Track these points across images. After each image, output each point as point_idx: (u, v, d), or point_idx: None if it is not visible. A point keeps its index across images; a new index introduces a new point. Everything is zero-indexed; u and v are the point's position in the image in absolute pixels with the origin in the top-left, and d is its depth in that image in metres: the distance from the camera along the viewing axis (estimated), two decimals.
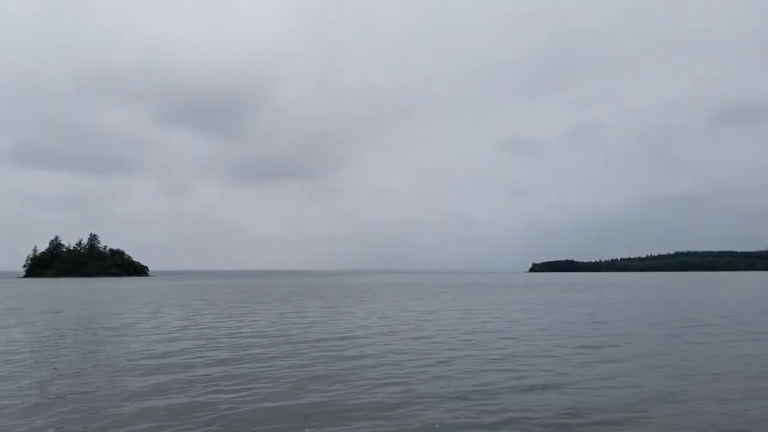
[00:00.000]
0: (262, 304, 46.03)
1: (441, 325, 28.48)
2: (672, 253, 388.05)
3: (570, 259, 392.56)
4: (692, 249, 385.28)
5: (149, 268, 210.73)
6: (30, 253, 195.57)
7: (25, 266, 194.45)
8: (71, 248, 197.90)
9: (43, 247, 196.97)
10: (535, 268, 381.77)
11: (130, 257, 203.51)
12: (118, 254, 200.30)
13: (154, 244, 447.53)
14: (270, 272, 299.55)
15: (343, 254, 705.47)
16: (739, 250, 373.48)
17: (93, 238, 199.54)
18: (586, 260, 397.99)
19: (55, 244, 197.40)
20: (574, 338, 22.80)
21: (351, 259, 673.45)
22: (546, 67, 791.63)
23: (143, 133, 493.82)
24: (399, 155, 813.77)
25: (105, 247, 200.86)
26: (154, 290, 77.02)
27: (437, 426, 10.34)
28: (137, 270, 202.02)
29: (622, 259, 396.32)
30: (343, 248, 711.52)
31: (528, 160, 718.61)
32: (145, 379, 14.65)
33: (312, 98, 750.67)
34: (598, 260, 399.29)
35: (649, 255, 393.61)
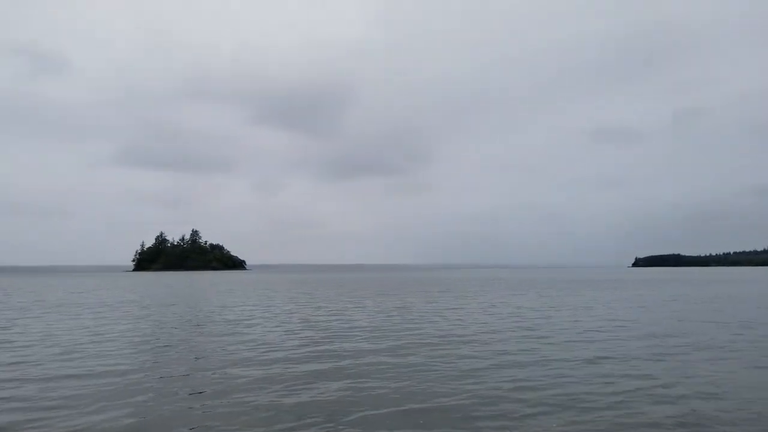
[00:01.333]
0: (378, 296, 44.34)
1: (591, 320, 25.09)
2: None
3: (676, 253, 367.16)
4: None
5: (246, 262, 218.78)
6: (138, 248, 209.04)
7: (133, 260, 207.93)
8: (175, 243, 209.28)
9: (149, 242, 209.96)
10: (639, 262, 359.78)
11: (228, 252, 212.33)
12: (217, 249, 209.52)
13: (249, 239, 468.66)
14: (358, 266, 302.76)
15: (426, 249, 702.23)
16: None
17: (195, 233, 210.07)
18: (693, 254, 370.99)
19: (160, 240, 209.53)
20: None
21: (434, 254, 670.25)
22: (638, 51, 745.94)
23: (238, 132, 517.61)
24: (483, 147, 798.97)
25: (205, 242, 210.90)
26: (258, 283, 78.10)
27: None
28: (235, 264, 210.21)
29: (734, 252, 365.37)
30: (426, 243, 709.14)
31: (622, 150, 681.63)
32: (294, 369, 12.75)
33: (395, 93, 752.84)
34: (707, 254, 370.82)
35: (765, 249, 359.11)
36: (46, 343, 19.80)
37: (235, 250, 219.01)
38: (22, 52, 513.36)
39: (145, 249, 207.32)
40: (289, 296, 47.10)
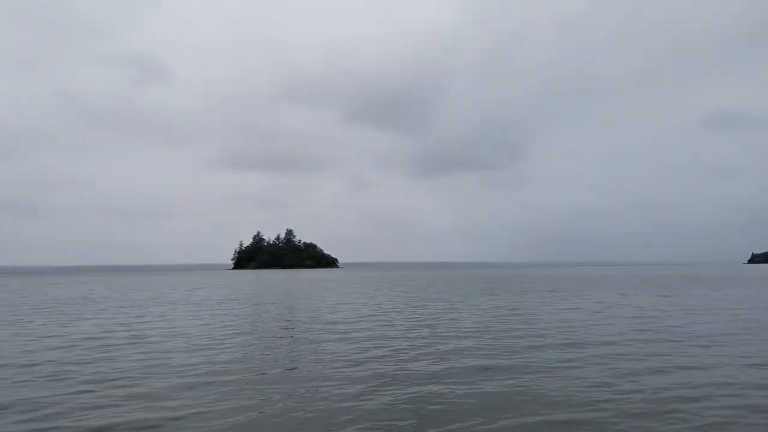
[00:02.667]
0: (483, 295, 43.32)
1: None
2: None
3: None
4: None
5: (338, 260, 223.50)
6: (237, 247, 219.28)
7: (233, 259, 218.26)
8: (271, 242, 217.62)
9: (247, 241, 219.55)
10: (756, 258, 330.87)
11: (321, 250, 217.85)
12: (311, 247, 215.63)
13: (341, 238, 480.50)
14: (451, 264, 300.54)
15: (521, 246, 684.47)
16: None
17: (289, 233, 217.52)
18: None
19: (257, 239, 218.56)
20: None
21: (530, 251, 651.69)
22: (753, 29, 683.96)
23: (331, 132, 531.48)
24: (581, 139, 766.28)
25: (300, 240, 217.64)
26: (356, 281, 79.19)
27: None
28: (328, 262, 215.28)
29: None
30: (521, 239, 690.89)
31: (736, 137, 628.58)
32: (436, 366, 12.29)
33: (487, 85, 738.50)
34: None
35: None
36: (178, 337, 20.71)
37: (327, 248, 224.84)
38: (130, 62, 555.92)
39: (243, 248, 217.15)
40: (395, 294, 47.08)
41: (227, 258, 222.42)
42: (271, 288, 61.47)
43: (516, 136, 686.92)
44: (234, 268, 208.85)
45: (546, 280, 79.56)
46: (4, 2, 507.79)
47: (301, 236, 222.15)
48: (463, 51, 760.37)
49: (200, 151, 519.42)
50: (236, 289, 58.55)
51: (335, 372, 14.07)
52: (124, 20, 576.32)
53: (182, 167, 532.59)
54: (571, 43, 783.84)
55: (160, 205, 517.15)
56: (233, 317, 28.67)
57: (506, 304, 35.25)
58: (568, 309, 31.34)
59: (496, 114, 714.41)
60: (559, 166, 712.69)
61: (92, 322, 26.89)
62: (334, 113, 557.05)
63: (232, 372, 14.25)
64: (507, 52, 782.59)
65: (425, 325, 24.22)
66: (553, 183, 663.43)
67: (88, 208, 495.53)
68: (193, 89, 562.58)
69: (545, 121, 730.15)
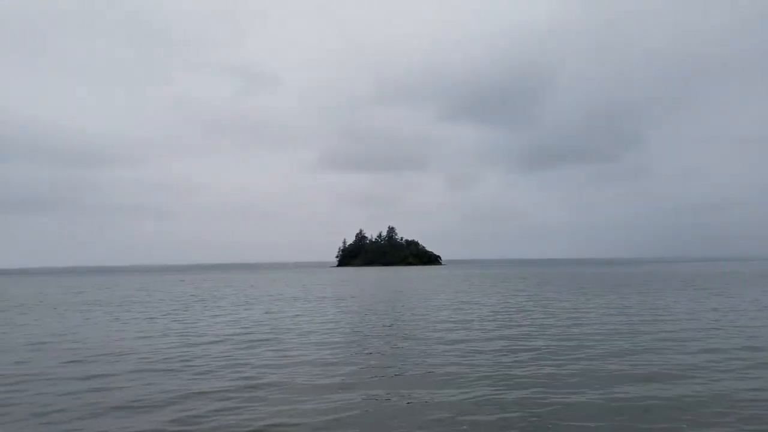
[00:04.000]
0: (610, 294, 41.24)
1: None
2: None
3: None
4: None
5: (441, 257, 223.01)
6: (340, 245, 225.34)
7: (337, 257, 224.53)
8: (373, 240, 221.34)
9: (350, 240, 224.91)
10: None
11: (424, 247, 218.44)
12: (413, 245, 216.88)
13: (443, 235, 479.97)
14: (560, 261, 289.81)
15: (637, 241, 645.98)
16: None
17: (391, 230, 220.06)
18: None
19: (360, 237, 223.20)
20: None
21: (647, 247, 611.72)
22: None
23: (431, 130, 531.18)
24: (710, 124, 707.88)
25: (401, 238, 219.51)
26: (464, 279, 78.46)
27: None
28: (431, 259, 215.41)
29: None
30: (637, 234, 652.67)
31: None
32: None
33: (596, 73, 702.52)
34: None
35: None
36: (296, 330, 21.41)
37: (430, 245, 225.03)
38: (240, 72, 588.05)
39: (346, 246, 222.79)
40: (511, 293, 46.05)
41: (331, 256, 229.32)
42: (384, 285, 62.40)
43: (630, 126, 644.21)
44: (338, 266, 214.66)
45: (679, 275, 74.40)
46: (130, 23, 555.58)
47: (403, 234, 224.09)
48: (570, 37, 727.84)
49: (305, 154, 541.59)
50: (355, 287, 60.00)
51: (490, 373, 13.85)
52: (235, 33, 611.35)
53: (288, 169, 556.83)
54: (693, 21, 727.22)
55: (268, 206, 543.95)
56: (362, 315, 29.28)
57: (637, 303, 33.24)
58: (733, 309, 28.98)
59: (607, 103, 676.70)
60: (682, 155, 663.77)
61: (233, 317, 28.58)
62: (434, 111, 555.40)
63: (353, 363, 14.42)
64: (618, 35, 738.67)
65: (561, 325, 23.36)
66: (674, 173, 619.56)
67: (204, 210, 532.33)
68: (297, 94, 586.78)
69: (664, 107, 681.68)
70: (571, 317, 25.93)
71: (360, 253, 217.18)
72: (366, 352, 17.25)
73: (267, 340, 20.01)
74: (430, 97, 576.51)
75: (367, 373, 14.06)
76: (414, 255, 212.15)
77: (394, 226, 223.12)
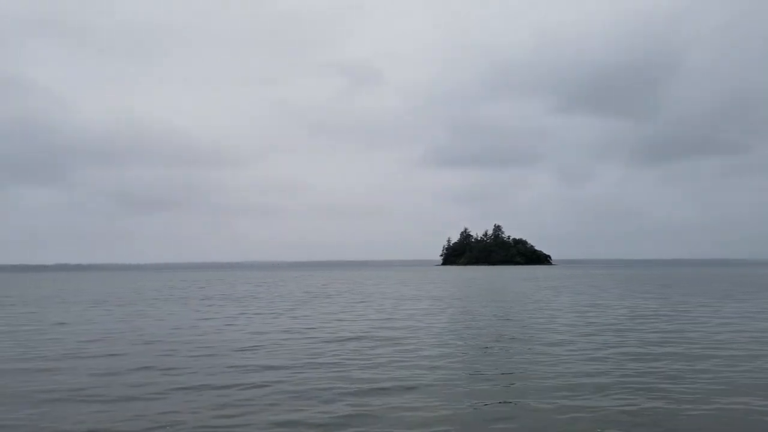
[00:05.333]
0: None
1: None
2: None
3: None
4: None
5: (551, 257, 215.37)
6: (445, 243, 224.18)
7: (441, 255, 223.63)
8: (478, 238, 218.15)
9: (455, 238, 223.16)
10: None
11: (532, 246, 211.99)
12: (520, 243, 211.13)
13: (553, 233, 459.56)
14: (686, 261, 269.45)
15: None
16: None
17: (497, 228, 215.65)
18: None
19: (465, 235, 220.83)
20: None
21: None
22: None
23: (541, 123, 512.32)
24: None
25: (508, 236, 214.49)
26: (581, 278, 74.71)
27: None
28: (540, 258, 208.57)
29: None
30: None
31: None
32: None
33: (728, 56, 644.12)
34: None
35: None
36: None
37: (538, 244, 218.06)
38: (342, 71, 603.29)
39: (451, 244, 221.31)
40: (638, 295, 42.82)
41: (435, 254, 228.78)
42: (497, 284, 60.73)
43: (765, 113, 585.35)
44: (442, 264, 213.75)
45: None
46: (235, 30, 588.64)
47: (510, 232, 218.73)
48: (698, 18, 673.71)
49: (409, 151, 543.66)
50: (468, 285, 58.95)
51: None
52: (338, 32, 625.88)
53: (392, 167, 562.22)
54: None
55: (372, 204, 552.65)
56: (485, 315, 28.26)
57: None
58: None
59: (741, 88, 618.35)
60: None
61: (352, 314, 28.64)
62: (545, 103, 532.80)
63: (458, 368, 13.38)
64: (756, 14, 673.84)
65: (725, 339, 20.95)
66: None
67: (309, 209, 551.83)
68: (401, 92, 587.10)
69: None
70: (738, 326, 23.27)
71: (465, 251, 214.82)
72: (502, 355, 16.24)
73: (395, 338, 19.51)
74: (541, 88, 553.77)
75: (506, 379, 13.06)
76: (521, 254, 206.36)
77: (500, 224, 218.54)
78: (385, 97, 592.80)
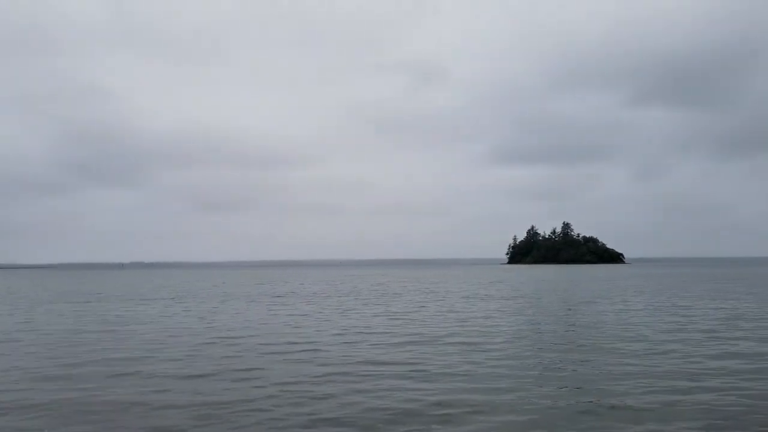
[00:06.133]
0: None
1: None
2: None
3: None
4: None
5: (624, 255, 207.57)
6: (511, 242, 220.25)
7: (507, 254, 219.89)
8: (546, 237, 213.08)
9: (521, 236, 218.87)
10: None
11: (603, 244, 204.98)
12: (591, 241, 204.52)
13: (626, 231, 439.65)
14: None
15: None
16: None
17: (566, 226, 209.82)
18: None
19: (532, 233, 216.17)
20: None
21: None
22: None
23: (614, 117, 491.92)
24: None
25: (578, 234, 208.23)
26: (659, 278, 71.47)
27: None
28: (612, 257, 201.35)
29: None
30: None
31: None
32: None
33: None
34: None
35: None
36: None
37: (610, 242, 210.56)
38: (407, 69, 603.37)
39: (517, 243, 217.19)
40: (730, 297, 40.45)
41: (500, 253, 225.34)
42: (570, 284, 58.99)
43: None
44: (508, 263, 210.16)
45: None
46: (301, 31, 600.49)
47: (580, 230, 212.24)
48: None
49: (475, 147, 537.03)
50: (539, 285, 57.65)
51: None
52: (403, 29, 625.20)
53: (457, 164, 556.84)
54: None
55: (436, 201, 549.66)
56: (565, 315, 27.43)
57: None
58: None
59: None
60: None
61: (436, 308, 28.45)
62: (619, 95, 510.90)
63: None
64: None
65: None
66: None
67: (374, 208, 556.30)
68: (467, 87, 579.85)
69: None
70: None
71: (532, 250, 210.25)
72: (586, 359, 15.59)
73: (473, 343, 19.16)
74: (614, 80, 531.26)
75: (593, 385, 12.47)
76: (592, 252, 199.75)
77: (569, 221, 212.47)
78: (450, 94, 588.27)
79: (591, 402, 10.85)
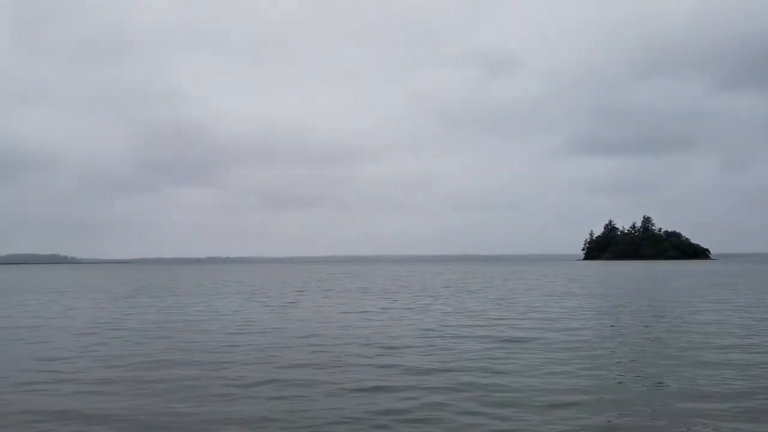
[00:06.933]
0: None
1: None
2: None
3: None
4: None
5: (710, 251, 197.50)
6: (587, 237, 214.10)
7: (583, 249, 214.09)
8: (625, 231, 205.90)
9: (598, 231, 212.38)
10: None
11: (687, 239, 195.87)
12: (674, 236, 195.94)
13: (713, 225, 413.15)
14: None
15: None
16: None
17: (646, 220, 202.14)
18: None
19: (610, 228, 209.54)
20: None
21: None
22: None
23: (699, 104, 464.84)
24: None
25: (659, 229, 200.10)
26: (754, 275, 67.21)
27: None
28: (697, 253, 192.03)
29: None
30: None
31: None
32: None
33: None
34: None
35: None
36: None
37: (695, 237, 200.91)
38: (477, 60, 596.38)
39: (593, 238, 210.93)
40: None
41: (576, 248, 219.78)
42: (656, 282, 56.51)
43: None
44: (584, 259, 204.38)
45: None
46: (366, 29, 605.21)
47: (661, 224, 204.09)
48: None
49: (549, 139, 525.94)
50: (621, 283, 55.63)
51: None
52: (470, 20, 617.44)
53: (531, 157, 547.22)
54: None
55: (509, 196, 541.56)
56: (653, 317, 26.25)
57: None
58: None
59: None
60: None
61: (529, 305, 27.97)
62: (704, 82, 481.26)
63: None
64: None
65: None
66: None
67: (444, 203, 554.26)
68: (542, 77, 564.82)
69: None
70: None
71: (610, 245, 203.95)
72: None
73: (564, 342, 18.59)
74: (699, 65, 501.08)
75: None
76: (675, 247, 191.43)
77: (650, 215, 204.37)
78: (524, 85, 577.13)
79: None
